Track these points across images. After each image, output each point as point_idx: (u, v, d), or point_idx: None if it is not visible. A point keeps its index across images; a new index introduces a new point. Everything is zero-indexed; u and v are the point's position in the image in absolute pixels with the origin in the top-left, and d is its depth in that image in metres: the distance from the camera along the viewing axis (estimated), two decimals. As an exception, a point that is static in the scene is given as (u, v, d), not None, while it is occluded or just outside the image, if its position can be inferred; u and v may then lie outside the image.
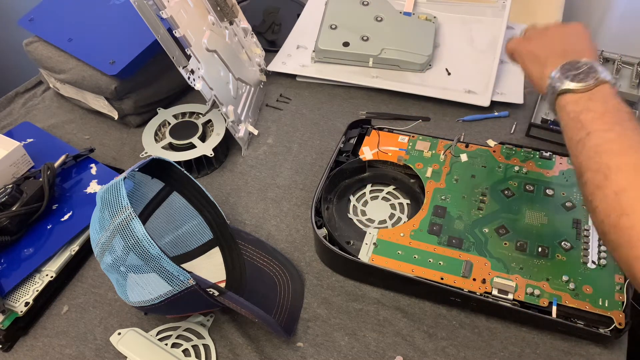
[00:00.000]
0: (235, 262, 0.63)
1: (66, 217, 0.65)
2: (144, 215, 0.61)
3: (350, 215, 0.66)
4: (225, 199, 0.72)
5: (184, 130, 0.75)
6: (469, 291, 0.55)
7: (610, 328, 0.51)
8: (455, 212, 0.62)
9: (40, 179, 0.66)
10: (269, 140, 0.80)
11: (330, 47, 0.87)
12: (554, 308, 0.53)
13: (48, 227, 0.64)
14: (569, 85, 0.50)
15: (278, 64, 0.90)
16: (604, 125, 0.47)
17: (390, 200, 0.68)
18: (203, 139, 0.75)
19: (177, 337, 0.57)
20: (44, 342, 0.58)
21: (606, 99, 0.48)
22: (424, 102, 0.84)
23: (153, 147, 0.74)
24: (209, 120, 0.78)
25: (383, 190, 0.69)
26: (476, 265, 0.56)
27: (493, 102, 0.81)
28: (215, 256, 0.64)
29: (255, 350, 0.56)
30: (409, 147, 0.69)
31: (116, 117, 0.81)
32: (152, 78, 0.80)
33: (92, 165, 0.73)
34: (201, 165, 0.74)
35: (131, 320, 0.59)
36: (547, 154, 0.67)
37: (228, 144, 0.78)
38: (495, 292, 0.54)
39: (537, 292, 0.54)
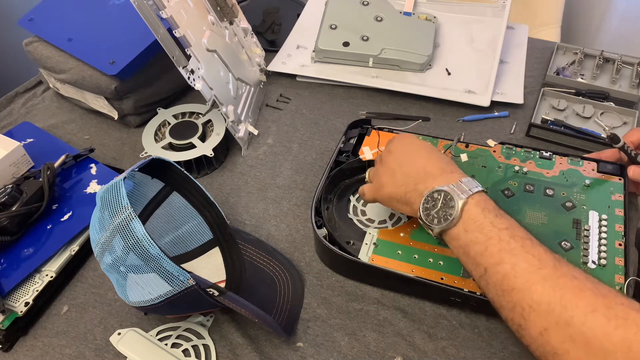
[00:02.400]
0: (235, 262, 0.63)
1: (66, 217, 0.65)
2: (144, 215, 0.62)
3: (350, 215, 0.66)
4: (225, 199, 0.72)
5: (184, 130, 0.75)
6: (469, 291, 0.55)
7: (610, 328, 0.51)
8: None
9: (40, 179, 0.66)
10: (269, 140, 0.80)
11: (330, 47, 0.87)
12: (554, 308, 0.53)
13: (48, 227, 0.64)
14: (439, 226, 0.49)
15: (278, 64, 0.90)
16: (492, 258, 0.45)
17: (390, 200, 0.68)
18: (203, 139, 0.75)
19: (177, 337, 0.57)
20: (43, 342, 0.58)
21: (479, 224, 0.47)
22: (424, 102, 0.84)
23: (153, 147, 0.74)
24: (209, 120, 0.78)
25: (383, 190, 0.69)
26: (476, 265, 0.56)
27: (493, 102, 0.81)
28: (215, 256, 0.64)
29: (255, 350, 0.56)
30: (409, 147, 0.69)
31: (116, 117, 0.81)
32: (152, 78, 0.80)
33: (92, 165, 0.73)
34: (201, 165, 0.74)
35: (131, 320, 0.59)
36: (547, 154, 0.67)
37: (228, 144, 0.78)
38: (495, 292, 0.54)
39: (537, 292, 0.54)
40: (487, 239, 0.46)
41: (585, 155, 0.66)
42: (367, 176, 0.61)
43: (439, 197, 0.49)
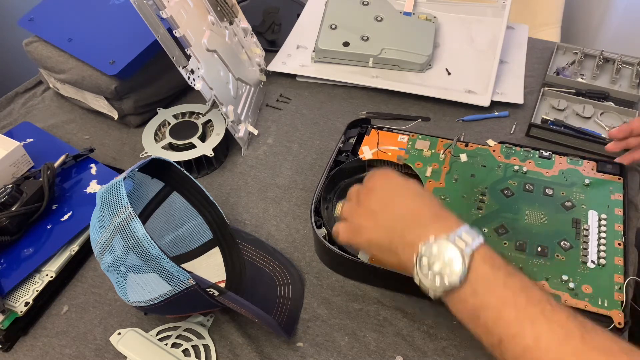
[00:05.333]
0: (235, 262, 0.63)
1: (66, 217, 0.65)
2: (144, 215, 0.62)
3: (350, 215, 0.66)
4: (225, 199, 0.72)
5: (184, 130, 0.75)
6: (469, 291, 0.54)
7: (610, 328, 0.51)
8: (455, 211, 0.61)
9: (40, 179, 0.66)
10: (269, 140, 0.80)
11: (330, 47, 0.87)
12: (554, 308, 0.53)
13: (48, 227, 0.64)
14: (442, 288, 0.41)
15: (278, 64, 0.90)
16: (509, 328, 0.39)
17: (390, 200, 0.68)
18: (203, 139, 0.75)
19: (177, 337, 0.57)
20: (43, 342, 0.58)
21: (489, 285, 0.40)
22: (424, 102, 0.84)
23: (153, 147, 0.74)
24: (209, 120, 0.78)
25: (383, 190, 0.69)
26: (476, 265, 0.56)
27: (493, 102, 0.81)
28: (215, 256, 0.64)
29: (255, 350, 0.56)
30: (409, 147, 0.69)
31: (116, 117, 0.81)
32: (152, 78, 0.80)
33: (92, 165, 0.73)
34: (201, 165, 0.74)
35: (131, 320, 0.59)
36: (547, 154, 0.67)
37: (228, 144, 0.78)
38: (495, 292, 0.54)
39: (536, 292, 0.54)
40: (501, 303, 0.40)
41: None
42: (338, 210, 0.53)
43: (438, 252, 0.42)
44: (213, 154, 0.73)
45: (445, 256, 0.41)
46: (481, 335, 0.41)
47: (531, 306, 0.39)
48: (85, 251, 0.65)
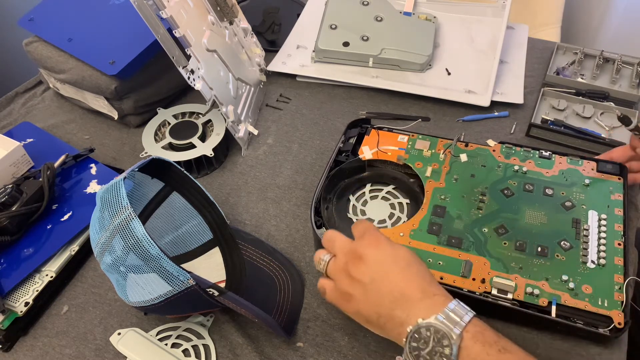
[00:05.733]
0: (235, 262, 0.63)
1: (66, 217, 0.65)
2: (144, 215, 0.62)
3: (350, 215, 0.66)
4: (225, 199, 0.72)
5: (184, 130, 0.75)
6: (469, 291, 0.55)
7: (610, 328, 0.51)
8: (455, 211, 0.62)
9: (40, 179, 0.66)
10: (269, 140, 0.80)
11: (330, 47, 0.87)
12: (554, 308, 0.53)
13: (48, 227, 0.64)
14: None
15: (278, 64, 0.90)
16: None
17: (389, 199, 0.68)
18: (203, 139, 0.75)
19: (177, 337, 0.57)
20: (43, 342, 0.58)
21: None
22: (424, 102, 0.84)
23: (153, 147, 0.74)
24: (209, 120, 0.78)
25: (382, 189, 0.69)
26: (475, 265, 0.56)
27: (493, 102, 0.81)
28: (215, 256, 0.64)
29: (255, 350, 0.56)
30: (409, 147, 0.69)
31: (116, 117, 0.81)
32: (152, 78, 0.80)
33: (92, 165, 0.73)
34: (201, 165, 0.74)
35: (131, 320, 0.59)
36: (547, 154, 0.67)
37: (228, 144, 0.78)
38: (494, 291, 0.54)
39: (536, 291, 0.54)
40: None
41: (597, 157, 0.66)
42: (320, 264, 0.51)
43: (429, 334, 0.42)
44: (213, 154, 0.73)
45: (435, 339, 0.41)
46: None
47: None
48: (85, 251, 0.65)
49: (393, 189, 0.69)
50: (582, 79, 0.83)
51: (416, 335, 0.42)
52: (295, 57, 0.92)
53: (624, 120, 0.60)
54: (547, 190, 0.63)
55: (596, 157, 0.66)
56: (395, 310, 0.45)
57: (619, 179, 0.63)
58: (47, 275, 0.60)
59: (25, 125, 0.80)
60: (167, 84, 0.83)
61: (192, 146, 0.74)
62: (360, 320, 0.48)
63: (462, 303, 0.44)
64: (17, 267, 0.60)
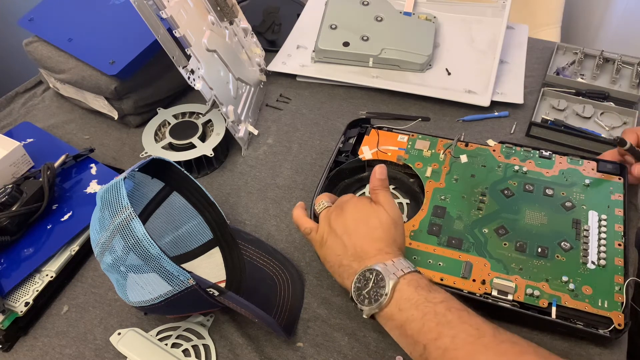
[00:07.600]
0: (235, 262, 0.63)
1: (66, 217, 0.65)
2: (144, 215, 0.62)
3: (350, 215, 0.66)
4: (225, 199, 0.72)
5: (184, 130, 0.75)
6: (469, 292, 0.55)
7: (610, 329, 0.51)
8: (455, 212, 0.62)
9: (40, 179, 0.66)
10: (269, 140, 0.80)
11: (330, 47, 0.87)
12: (554, 309, 0.53)
13: (48, 227, 0.64)
14: (369, 307, 0.47)
15: (278, 64, 0.90)
16: (430, 333, 0.44)
17: (390, 200, 0.68)
18: (203, 139, 0.75)
19: (177, 337, 0.57)
20: (44, 342, 0.58)
21: (413, 301, 0.45)
22: (424, 102, 0.84)
23: (153, 147, 0.74)
24: (209, 120, 0.78)
25: (383, 190, 0.69)
26: (476, 266, 0.56)
27: (493, 102, 0.81)
28: (215, 256, 0.64)
29: (255, 350, 0.56)
30: (409, 147, 0.69)
31: (116, 117, 0.81)
32: (152, 78, 0.80)
33: (92, 165, 0.73)
34: (201, 165, 0.74)
35: (131, 320, 0.59)
36: (547, 154, 0.67)
37: (228, 144, 0.78)
38: (495, 293, 0.54)
39: (536, 292, 0.54)
40: (423, 315, 0.45)
41: (597, 157, 0.66)
42: (319, 209, 0.58)
43: (371, 276, 0.48)
44: (213, 154, 0.73)
45: (375, 280, 0.47)
46: (410, 349, 0.46)
47: (450, 313, 0.44)
48: (85, 251, 0.65)
49: (393, 189, 0.69)
50: (582, 79, 0.83)
51: (361, 277, 0.49)
52: (295, 57, 0.91)
53: (620, 142, 0.62)
54: (547, 190, 0.63)
55: (597, 157, 0.66)
56: (353, 262, 0.51)
57: (619, 179, 0.63)
58: (47, 275, 0.60)
59: (25, 125, 0.80)
60: (167, 84, 0.83)
61: (192, 146, 0.74)
62: (326, 265, 0.55)
63: (410, 263, 0.49)
64: (17, 267, 0.60)
